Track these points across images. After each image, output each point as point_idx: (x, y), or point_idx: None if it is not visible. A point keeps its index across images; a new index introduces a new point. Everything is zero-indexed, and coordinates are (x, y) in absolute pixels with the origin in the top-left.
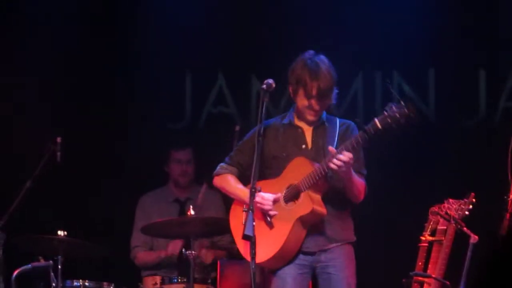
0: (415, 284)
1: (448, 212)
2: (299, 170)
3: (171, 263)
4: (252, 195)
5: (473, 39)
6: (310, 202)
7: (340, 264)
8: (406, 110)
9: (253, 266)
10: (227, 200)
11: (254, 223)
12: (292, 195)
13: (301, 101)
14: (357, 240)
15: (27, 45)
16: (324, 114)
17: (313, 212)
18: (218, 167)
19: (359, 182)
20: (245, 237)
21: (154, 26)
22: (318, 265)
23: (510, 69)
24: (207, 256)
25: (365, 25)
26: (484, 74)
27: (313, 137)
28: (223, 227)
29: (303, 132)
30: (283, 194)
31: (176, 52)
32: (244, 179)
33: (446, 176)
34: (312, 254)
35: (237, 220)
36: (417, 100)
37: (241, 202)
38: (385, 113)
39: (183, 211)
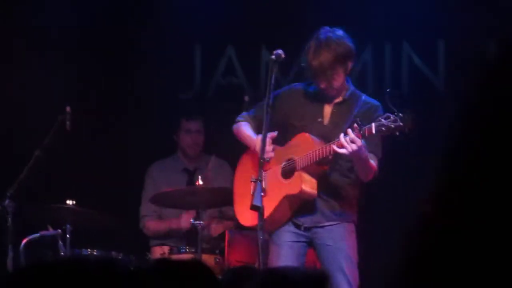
0: None
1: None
2: (301, 146)
3: (180, 233)
4: (261, 166)
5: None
6: (300, 183)
7: (338, 237)
8: (401, 124)
9: (261, 236)
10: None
11: (263, 194)
12: (289, 170)
13: (314, 81)
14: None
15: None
16: (351, 89)
17: (300, 193)
18: (238, 117)
19: (369, 164)
20: (253, 207)
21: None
22: (315, 237)
23: None
24: (216, 229)
25: None
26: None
27: (332, 113)
28: (232, 198)
29: (323, 105)
30: (282, 165)
31: (185, 23)
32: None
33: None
34: (307, 229)
35: (242, 186)
36: (426, 70)
37: (249, 159)
38: (382, 121)
39: (191, 181)
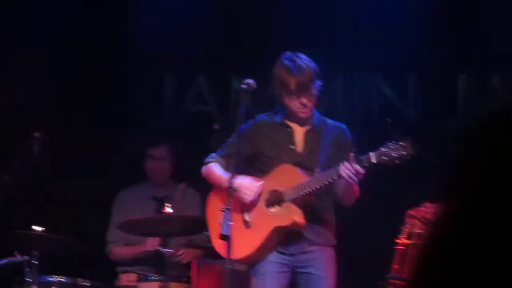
0: (391, 286)
1: (425, 215)
2: (286, 177)
3: (147, 260)
4: (230, 195)
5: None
6: (291, 214)
7: (320, 264)
8: (404, 152)
9: (228, 266)
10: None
11: (231, 223)
12: (274, 201)
13: (289, 101)
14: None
15: None
16: (317, 115)
17: (292, 225)
18: (207, 158)
19: (356, 189)
20: (222, 237)
21: (134, 26)
22: (298, 265)
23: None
24: (186, 255)
25: (347, 26)
26: (465, 79)
27: (305, 140)
28: (201, 226)
29: (292, 133)
30: (266, 197)
31: (157, 52)
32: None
33: (424, 179)
34: (290, 255)
35: (213, 218)
36: (397, 101)
37: (220, 189)
38: (382, 150)
39: (159, 208)
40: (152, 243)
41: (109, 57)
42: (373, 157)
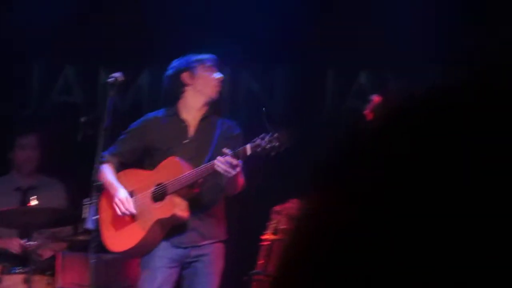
0: (255, 282)
1: (291, 212)
2: (170, 170)
3: (9, 253)
4: (94, 189)
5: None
6: (171, 207)
7: (208, 260)
8: (277, 144)
9: (92, 260)
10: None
11: (97, 217)
12: (160, 195)
13: (205, 79)
14: None
15: None
16: (208, 112)
17: (172, 217)
18: (101, 157)
19: (240, 180)
20: (86, 230)
21: (2, 13)
22: (187, 260)
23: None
24: (46, 252)
25: (215, 21)
26: (332, 74)
27: (197, 130)
28: (65, 219)
29: (187, 126)
30: (153, 190)
31: (23, 40)
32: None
33: (291, 176)
34: (184, 248)
35: (107, 213)
36: (264, 97)
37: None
38: (257, 142)
39: (24, 200)
40: (16, 244)
41: None
42: (248, 149)
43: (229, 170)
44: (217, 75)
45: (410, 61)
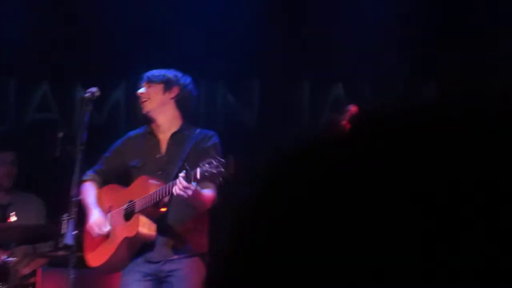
0: None
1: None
2: (139, 188)
3: None
4: (73, 205)
5: (299, 52)
6: (137, 226)
7: (181, 275)
8: (222, 170)
9: (72, 275)
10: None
11: (75, 233)
12: (129, 212)
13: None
14: None
15: None
16: (184, 125)
17: (137, 236)
18: (84, 175)
19: (205, 198)
20: (65, 246)
21: None
22: (162, 274)
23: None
24: (25, 268)
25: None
26: (308, 86)
27: (168, 144)
28: (45, 234)
29: (159, 142)
30: (125, 207)
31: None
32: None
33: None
34: (155, 263)
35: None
36: (241, 109)
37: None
38: (206, 166)
39: (3, 216)
40: None
41: None
42: (197, 173)
43: (181, 193)
44: (138, 91)
45: (384, 72)
